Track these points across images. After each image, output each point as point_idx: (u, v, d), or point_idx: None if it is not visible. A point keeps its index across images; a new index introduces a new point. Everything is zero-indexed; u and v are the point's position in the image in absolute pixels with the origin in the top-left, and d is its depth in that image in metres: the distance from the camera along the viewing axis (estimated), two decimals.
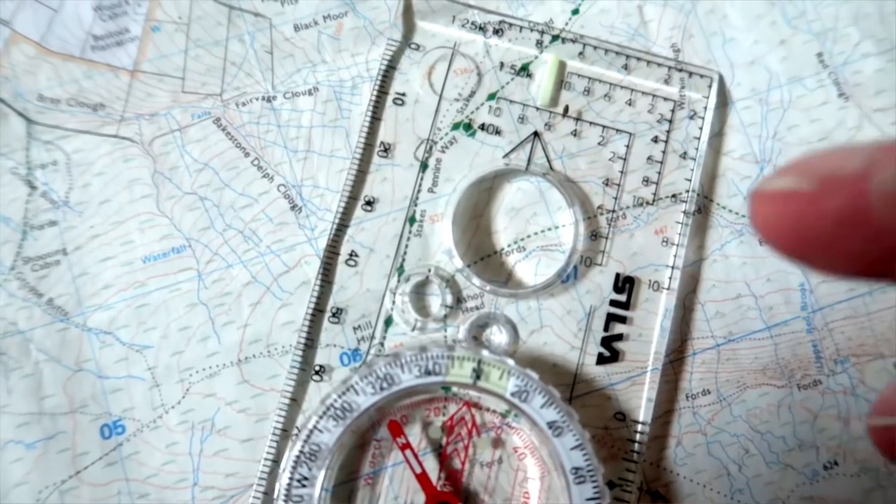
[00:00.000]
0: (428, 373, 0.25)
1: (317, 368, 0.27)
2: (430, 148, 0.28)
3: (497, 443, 0.26)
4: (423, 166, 0.28)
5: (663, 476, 0.27)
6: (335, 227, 0.28)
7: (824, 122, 0.29)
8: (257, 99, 0.29)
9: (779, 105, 0.29)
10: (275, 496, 0.24)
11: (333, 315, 0.27)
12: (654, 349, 0.27)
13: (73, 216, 0.28)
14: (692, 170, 0.29)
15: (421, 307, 0.27)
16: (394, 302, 0.27)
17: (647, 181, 0.29)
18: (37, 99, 0.28)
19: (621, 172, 0.29)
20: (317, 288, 0.27)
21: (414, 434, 0.26)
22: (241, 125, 0.29)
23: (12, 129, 0.28)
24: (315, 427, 0.24)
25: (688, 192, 0.28)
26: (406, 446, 0.25)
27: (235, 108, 0.29)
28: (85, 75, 0.29)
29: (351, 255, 0.28)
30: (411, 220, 0.28)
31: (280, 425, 0.26)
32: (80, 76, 0.29)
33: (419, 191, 0.28)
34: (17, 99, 0.28)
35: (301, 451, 0.24)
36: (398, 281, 0.27)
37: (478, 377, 0.25)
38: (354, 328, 0.27)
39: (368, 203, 0.28)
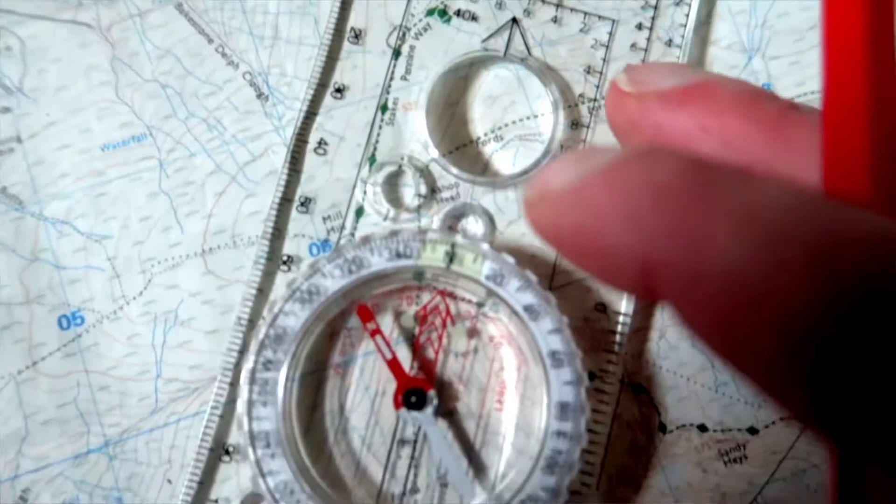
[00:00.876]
0: (399, 256, 0.24)
1: (284, 258, 0.26)
2: (404, 35, 0.27)
3: (472, 333, 0.25)
4: (396, 53, 0.27)
5: (645, 368, 0.26)
6: (303, 114, 0.26)
7: (815, 9, 0.28)
8: None
9: None
10: (240, 380, 0.23)
11: (301, 204, 0.26)
12: None
13: (28, 103, 0.26)
14: (678, 58, 0.27)
15: (394, 197, 0.26)
16: (365, 192, 0.26)
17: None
18: None
19: (603, 60, 0.28)
20: (284, 176, 0.26)
21: (386, 325, 0.25)
22: (205, 11, 0.27)
23: None
24: (281, 310, 0.23)
25: None
26: (376, 332, 0.24)
27: None
28: None
29: (320, 143, 0.27)
30: (383, 108, 0.27)
31: (246, 315, 0.25)
32: None
33: (392, 78, 0.27)
34: None
35: (266, 335, 0.23)
36: (370, 170, 0.26)
37: (451, 261, 0.24)
38: (324, 218, 0.26)
39: (338, 90, 0.27)
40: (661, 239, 0.15)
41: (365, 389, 0.25)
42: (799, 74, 0.28)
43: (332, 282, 0.24)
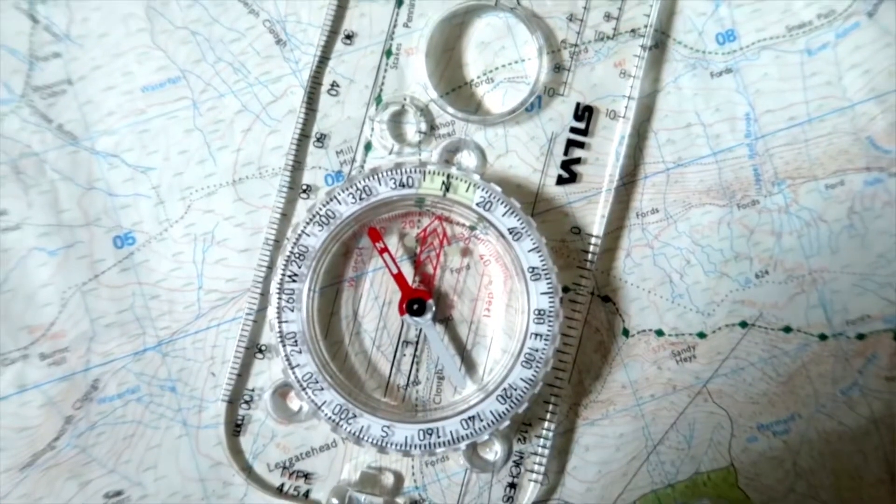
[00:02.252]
0: (402, 185, 0.28)
1: (304, 187, 0.30)
2: None
3: (465, 251, 0.30)
4: (399, 2, 0.30)
5: (613, 283, 0.31)
6: (317, 58, 0.30)
7: None
8: None
9: None
10: (270, 290, 0.28)
11: (318, 140, 0.30)
12: (608, 172, 0.30)
13: (75, 48, 0.30)
14: (651, 5, 0.30)
15: (397, 133, 0.30)
16: (372, 129, 0.30)
17: (608, 17, 0.30)
18: None
19: (584, 8, 0.31)
20: (302, 115, 0.30)
21: (392, 245, 0.30)
22: None
23: None
24: (303, 232, 0.28)
25: (646, 27, 0.30)
26: (384, 250, 0.28)
27: None
28: None
29: (333, 85, 0.30)
30: (388, 53, 0.30)
31: (273, 236, 0.29)
32: None
33: (395, 26, 0.30)
34: None
35: (291, 252, 0.28)
36: (376, 109, 0.30)
37: (447, 189, 0.28)
38: (337, 152, 0.30)
39: (348, 37, 0.30)
40: None
41: (375, 299, 0.30)
42: (760, 21, 0.31)
43: (346, 207, 0.28)
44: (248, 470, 0.29)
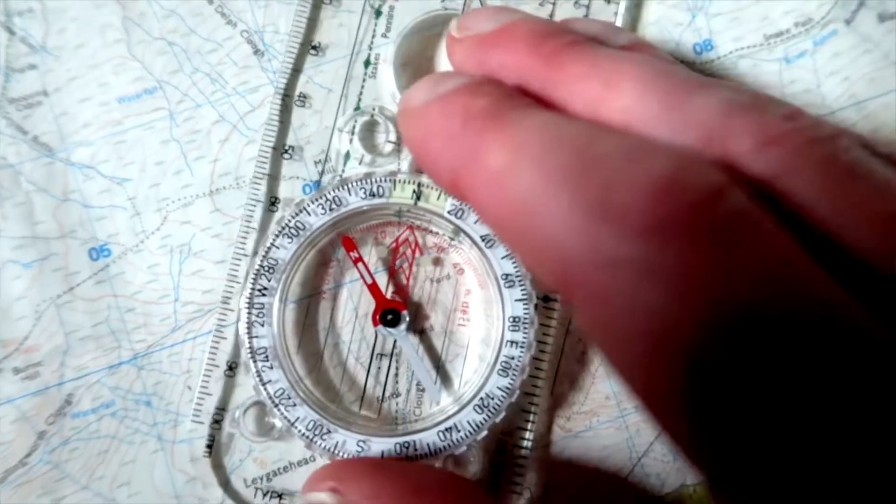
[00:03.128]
0: (373, 195, 0.28)
1: (272, 200, 0.29)
2: None
3: (438, 261, 0.30)
4: (377, 13, 0.30)
5: None
6: (289, 69, 0.30)
7: None
8: None
9: None
10: (240, 305, 0.28)
11: (285, 152, 0.30)
12: None
13: (51, 60, 0.30)
14: (615, 13, 0.30)
15: (369, 143, 0.30)
16: (341, 139, 0.30)
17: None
18: None
19: (551, 16, 0.30)
20: (274, 127, 0.29)
21: (367, 255, 0.29)
22: None
23: None
24: (273, 244, 0.28)
25: None
26: (358, 260, 0.28)
27: None
28: None
29: (300, 97, 0.30)
30: (366, 63, 0.30)
31: (242, 250, 0.29)
32: None
33: (374, 36, 0.30)
34: None
35: (261, 265, 0.27)
36: (350, 119, 0.30)
37: (418, 198, 0.28)
38: (315, 162, 0.30)
39: (314, 48, 0.30)
40: (463, 155, 0.19)
41: (353, 310, 0.30)
42: (737, 30, 0.31)
43: (316, 218, 0.28)
44: (225, 485, 0.29)
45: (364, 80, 0.30)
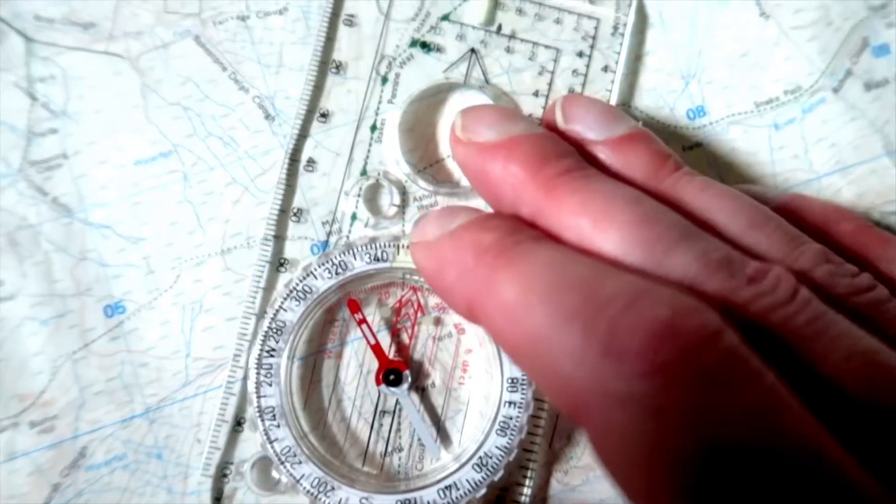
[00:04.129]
0: (377, 259, 0.29)
1: (281, 261, 0.31)
2: (390, 63, 0.32)
3: (439, 321, 0.31)
4: (384, 80, 0.32)
5: None
6: (294, 136, 0.31)
7: (745, 40, 0.32)
8: (233, 18, 0.32)
9: (704, 25, 0.32)
10: (249, 364, 0.29)
11: (294, 215, 0.31)
12: None
13: (72, 124, 0.31)
14: (612, 81, 0.32)
15: (374, 207, 0.31)
16: (356, 202, 0.31)
17: (571, 91, 0.32)
18: (34, 18, 0.31)
19: (549, 84, 0.32)
20: (280, 191, 0.31)
21: (370, 315, 0.30)
22: (219, 42, 0.32)
23: (13, 47, 0.31)
24: (281, 307, 0.29)
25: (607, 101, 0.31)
26: (362, 321, 0.29)
27: (213, 26, 0.32)
28: None
29: (308, 161, 0.31)
30: (372, 128, 0.31)
31: (252, 310, 0.30)
32: None
33: (380, 102, 0.32)
34: (16, 18, 0.31)
35: (269, 327, 0.29)
36: (356, 183, 0.31)
37: None
38: (323, 223, 0.31)
39: (323, 115, 0.31)
40: (477, 287, 0.20)
41: (358, 367, 0.31)
42: (729, 97, 0.32)
43: (322, 282, 0.29)
44: None
45: (370, 145, 0.31)
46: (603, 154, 0.25)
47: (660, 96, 0.32)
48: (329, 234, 0.31)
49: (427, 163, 0.32)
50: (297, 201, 0.31)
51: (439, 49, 0.32)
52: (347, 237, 0.31)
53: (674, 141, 0.32)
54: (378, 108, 0.32)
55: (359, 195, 0.31)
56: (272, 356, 0.29)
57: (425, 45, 0.32)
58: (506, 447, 0.28)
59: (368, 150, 0.31)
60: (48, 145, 0.31)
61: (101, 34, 0.31)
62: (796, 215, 0.26)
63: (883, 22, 0.32)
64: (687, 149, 0.32)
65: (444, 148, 0.32)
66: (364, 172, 0.31)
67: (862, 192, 0.32)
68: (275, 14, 0.32)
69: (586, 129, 0.25)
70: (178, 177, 0.31)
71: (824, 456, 0.17)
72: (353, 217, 0.31)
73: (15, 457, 0.30)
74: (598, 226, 0.21)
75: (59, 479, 0.30)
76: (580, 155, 0.25)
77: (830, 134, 0.32)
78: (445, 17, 0.32)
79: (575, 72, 0.32)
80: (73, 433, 0.30)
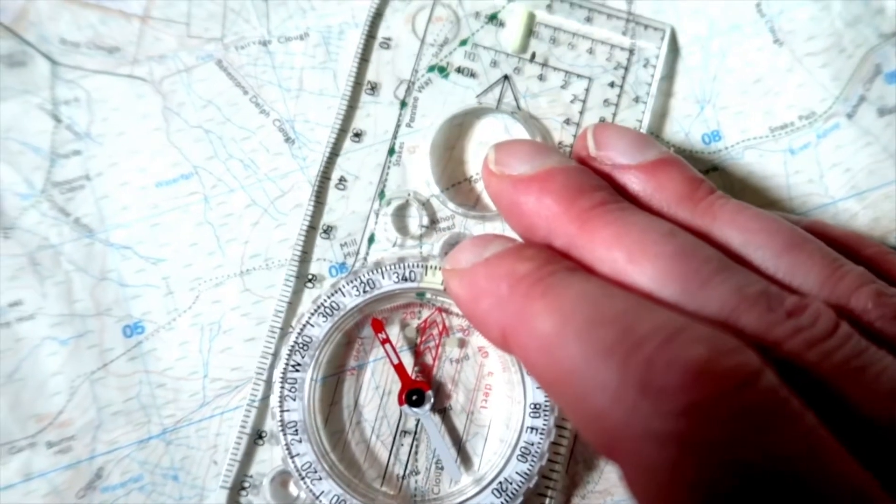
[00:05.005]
0: (405, 279, 0.29)
1: (309, 277, 0.31)
2: (409, 88, 0.32)
3: (463, 343, 0.31)
4: (403, 104, 0.32)
5: None
6: (327, 155, 0.31)
7: (759, 66, 0.33)
8: (254, 43, 0.32)
9: (718, 51, 0.33)
10: (274, 379, 0.29)
11: (324, 232, 0.31)
12: None
13: (95, 146, 0.31)
14: (643, 112, 0.32)
15: (401, 227, 0.31)
16: (376, 222, 0.31)
17: (602, 121, 0.32)
18: (59, 42, 0.32)
19: (580, 113, 0.32)
20: (311, 208, 0.31)
21: (393, 334, 0.30)
22: (241, 66, 0.32)
23: (39, 70, 0.32)
24: (308, 322, 0.29)
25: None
26: (386, 341, 0.29)
27: (235, 51, 0.32)
28: (100, 21, 0.32)
29: (340, 180, 0.32)
30: (391, 151, 0.32)
31: (278, 325, 0.30)
32: (95, 22, 0.32)
33: (398, 126, 0.32)
34: (42, 42, 0.32)
35: (296, 342, 0.29)
36: (380, 204, 0.31)
37: None
38: (341, 245, 0.31)
39: (356, 135, 0.32)
40: (512, 317, 0.20)
41: (375, 388, 0.31)
42: (744, 123, 0.33)
43: (350, 299, 0.29)
44: None
45: (388, 168, 0.32)
46: (635, 179, 0.25)
47: (675, 121, 0.33)
48: (346, 255, 0.31)
49: (447, 184, 0.32)
50: (326, 218, 0.31)
51: (472, 74, 0.32)
52: (364, 259, 0.31)
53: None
54: (396, 132, 0.32)
55: (388, 215, 0.31)
56: (297, 371, 0.29)
57: (443, 70, 0.32)
58: (526, 473, 0.28)
59: (387, 173, 0.32)
60: (71, 167, 0.31)
61: (125, 58, 0.32)
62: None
63: (895, 49, 0.33)
64: (703, 173, 0.32)
65: (466, 169, 0.32)
66: (382, 195, 0.31)
67: (877, 217, 0.32)
68: (296, 39, 0.32)
69: (618, 154, 0.25)
70: (198, 198, 0.31)
71: (865, 498, 0.17)
72: (371, 239, 0.31)
73: (31, 477, 0.29)
74: (632, 259, 0.21)
75: (75, 500, 0.29)
76: (612, 182, 0.25)
77: (845, 159, 0.32)
78: (464, 42, 0.32)
79: (606, 101, 0.32)
80: (89, 454, 0.30)
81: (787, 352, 0.19)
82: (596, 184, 0.24)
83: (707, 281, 0.21)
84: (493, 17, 0.32)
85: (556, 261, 0.22)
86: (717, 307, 0.20)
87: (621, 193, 0.25)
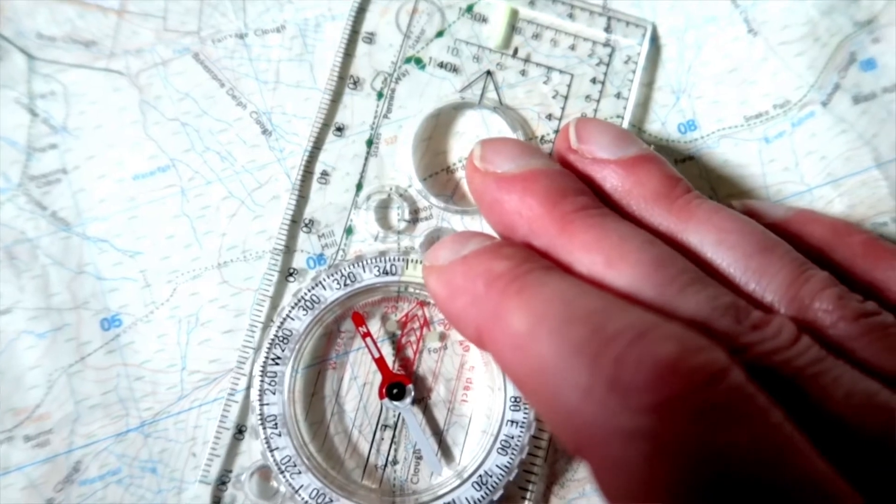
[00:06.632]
0: (386, 273, 0.29)
1: (290, 271, 0.31)
2: (387, 79, 0.32)
3: (443, 336, 0.31)
4: (380, 95, 0.32)
5: None
6: (309, 150, 0.31)
7: (734, 56, 0.33)
8: (231, 36, 0.32)
9: (694, 42, 0.33)
10: (253, 372, 0.29)
11: (306, 225, 0.31)
12: None
13: (71, 140, 0.31)
14: (624, 107, 0.32)
15: (382, 220, 0.31)
16: (356, 214, 0.31)
17: (584, 116, 0.32)
18: (36, 37, 0.32)
19: (561, 108, 0.32)
20: (292, 203, 0.31)
21: (374, 328, 0.30)
22: (217, 59, 0.32)
23: (15, 64, 0.32)
24: (288, 315, 0.29)
25: (619, 118, 0.32)
26: (367, 335, 0.29)
27: (212, 44, 0.32)
28: (78, 15, 0.32)
29: (322, 174, 0.31)
30: (368, 142, 0.32)
31: (258, 318, 0.30)
32: (73, 16, 0.32)
33: (375, 117, 0.32)
34: (18, 37, 0.32)
35: (276, 335, 0.29)
36: (359, 196, 0.31)
37: None
38: (319, 236, 0.31)
39: (339, 129, 0.32)
40: (487, 314, 0.21)
41: (355, 379, 0.31)
42: (719, 112, 0.33)
43: (331, 293, 0.29)
44: None
45: (366, 159, 0.32)
46: (614, 174, 0.25)
47: (651, 111, 0.33)
48: (324, 247, 0.31)
49: (424, 174, 0.32)
50: (307, 211, 0.31)
51: (455, 69, 0.32)
52: (343, 251, 0.31)
53: (665, 154, 0.32)
54: (373, 123, 0.32)
55: (369, 208, 0.31)
56: (277, 364, 0.29)
57: (419, 61, 0.32)
58: (506, 466, 0.28)
59: (365, 165, 0.32)
60: (48, 160, 0.31)
61: (101, 52, 0.32)
62: (806, 227, 0.26)
63: (869, 37, 0.33)
64: (679, 162, 0.32)
65: (443, 160, 0.32)
66: (360, 186, 0.32)
67: (853, 204, 0.32)
68: (272, 32, 0.32)
69: (599, 148, 0.26)
70: (175, 191, 0.31)
71: (830, 492, 0.17)
72: (349, 230, 0.31)
73: (9, 471, 0.29)
74: (611, 263, 0.22)
75: (52, 493, 0.29)
76: (592, 175, 0.25)
77: (820, 147, 0.33)
78: (440, 34, 0.32)
79: (588, 97, 0.32)
80: (67, 447, 0.30)
81: (753, 355, 0.20)
82: (579, 188, 0.24)
83: (681, 289, 0.21)
84: (469, 9, 0.33)
85: (533, 259, 0.22)
86: (690, 314, 0.21)
87: (600, 187, 0.25)
